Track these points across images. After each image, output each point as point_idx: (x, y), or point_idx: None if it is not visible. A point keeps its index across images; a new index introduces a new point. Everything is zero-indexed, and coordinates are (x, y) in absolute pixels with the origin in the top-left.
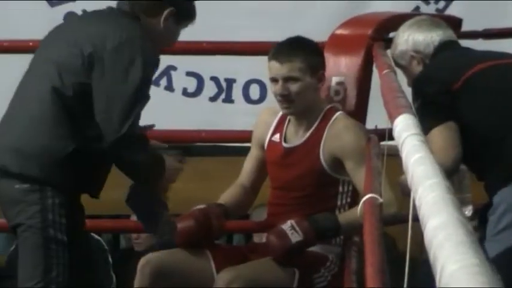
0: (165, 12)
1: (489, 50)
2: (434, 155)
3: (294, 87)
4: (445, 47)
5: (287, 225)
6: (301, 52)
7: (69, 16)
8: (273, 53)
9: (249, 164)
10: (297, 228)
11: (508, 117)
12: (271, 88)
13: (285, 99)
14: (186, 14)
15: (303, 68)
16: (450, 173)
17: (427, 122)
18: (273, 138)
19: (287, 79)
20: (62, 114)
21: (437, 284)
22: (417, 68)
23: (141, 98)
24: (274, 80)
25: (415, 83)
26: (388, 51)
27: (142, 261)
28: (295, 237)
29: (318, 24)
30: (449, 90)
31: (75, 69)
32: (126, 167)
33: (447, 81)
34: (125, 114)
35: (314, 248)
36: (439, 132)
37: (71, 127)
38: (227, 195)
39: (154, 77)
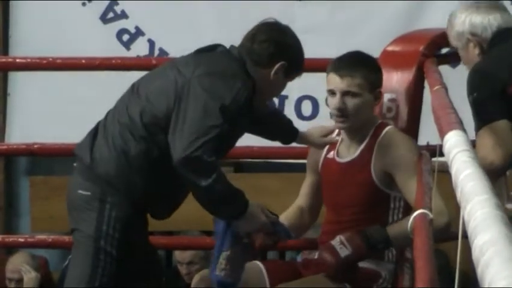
0: (277, 66)
1: None
2: (484, 152)
3: (351, 102)
4: (503, 36)
5: (336, 241)
6: (363, 68)
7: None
8: (333, 66)
9: (304, 189)
10: (346, 243)
11: None
12: (327, 100)
13: (341, 113)
14: (296, 68)
15: (363, 84)
16: (499, 171)
17: (479, 118)
18: (328, 156)
19: (345, 93)
20: (147, 138)
21: None
22: (473, 51)
23: (216, 128)
24: (332, 92)
25: (472, 76)
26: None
27: (197, 277)
28: (343, 251)
29: (370, 41)
30: (504, 91)
31: (168, 93)
32: (191, 190)
33: (502, 83)
34: (194, 138)
35: (366, 265)
36: (490, 130)
37: (152, 157)
38: (285, 217)
39: None
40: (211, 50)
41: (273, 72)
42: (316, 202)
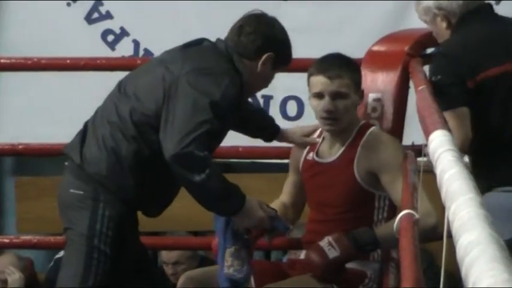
0: (264, 57)
1: None
2: None
3: (341, 103)
4: (472, 14)
5: (324, 242)
6: (349, 68)
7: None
8: (319, 68)
9: (287, 187)
10: (334, 244)
11: None
12: (313, 104)
13: (331, 115)
14: (284, 59)
15: (350, 85)
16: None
17: (440, 102)
18: (308, 157)
19: (335, 95)
20: (138, 138)
21: None
22: (441, 25)
23: (206, 124)
24: (320, 95)
25: (437, 59)
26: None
27: (183, 278)
28: (332, 253)
29: (356, 41)
30: (465, 84)
31: (157, 91)
32: (185, 187)
33: (466, 73)
34: (184, 134)
35: (352, 265)
36: (451, 114)
37: (144, 157)
38: None
39: None
40: (197, 45)
41: (260, 63)
42: (299, 200)
